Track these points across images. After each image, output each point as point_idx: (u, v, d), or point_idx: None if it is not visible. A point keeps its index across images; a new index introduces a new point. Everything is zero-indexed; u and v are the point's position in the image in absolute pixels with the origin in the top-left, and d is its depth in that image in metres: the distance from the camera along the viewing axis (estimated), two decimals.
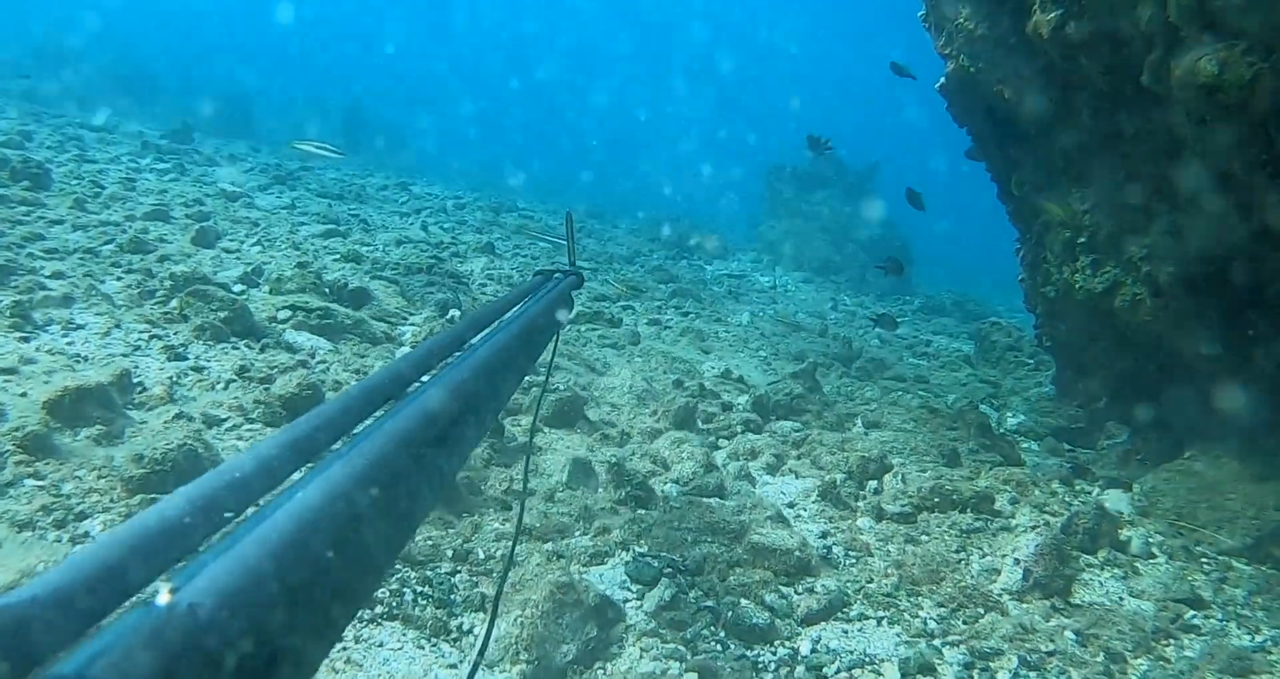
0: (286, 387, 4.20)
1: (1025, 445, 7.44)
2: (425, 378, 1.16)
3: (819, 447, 5.46)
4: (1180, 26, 3.32)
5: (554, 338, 2.52)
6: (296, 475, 0.79)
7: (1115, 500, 5.28)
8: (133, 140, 14.02)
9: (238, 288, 6.72)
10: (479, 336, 1.51)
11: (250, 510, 0.70)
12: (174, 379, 4.34)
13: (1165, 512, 4.94)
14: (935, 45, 6.02)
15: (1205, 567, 4.41)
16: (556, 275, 2.61)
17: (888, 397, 8.36)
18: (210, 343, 5.15)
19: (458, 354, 1.35)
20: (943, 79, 6.21)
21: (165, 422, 3.67)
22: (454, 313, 7.34)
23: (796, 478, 5.06)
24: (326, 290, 6.87)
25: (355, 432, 0.91)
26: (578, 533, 3.62)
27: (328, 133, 25.62)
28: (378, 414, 0.99)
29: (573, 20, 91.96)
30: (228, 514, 0.66)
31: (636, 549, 3.41)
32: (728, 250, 20.18)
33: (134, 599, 0.57)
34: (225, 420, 4.02)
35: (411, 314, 7.17)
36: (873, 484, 5.07)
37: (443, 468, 1.13)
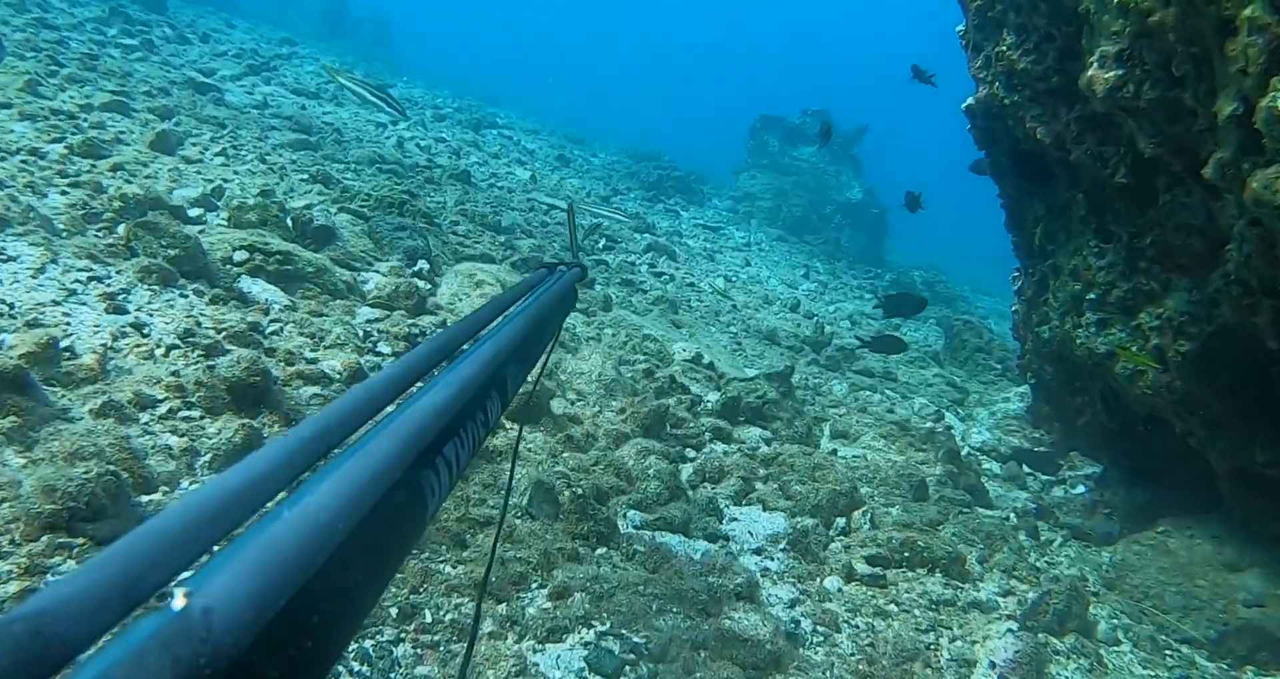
0: (233, 370, 3.80)
1: (987, 466, 7.33)
2: (430, 377, 1.14)
3: (789, 471, 5.23)
4: (1265, 135, 3.00)
5: (555, 336, 2.38)
6: (307, 475, 0.78)
7: (1081, 560, 5.18)
8: (101, 3, 12.99)
9: (194, 212, 6.23)
10: (482, 333, 1.49)
11: (264, 511, 0.69)
12: (108, 344, 3.93)
13: (1133, 589, 4.82)
14: (970, 65, 5.64)
15: (1169, 661, 4.30)
16: (560, 268, 2.45)
17: (856, 400, 8.15)
18: (156, 288, 4.72)
19: (463, 349, 1.33)
20: (971, 100, 5.84)
21: (92, 410, 3.29)
22: (422, 264, 6.92)
23: (764, 510, 4.84)
24: (289, 222, 6.39)
25: (361, 432, 0.91)
26: (534, 586, 3.34)
27: (303, 16, 24.33)
28: (382, 415, 0.98)
29: None
30: (242, 516, 0.64)
31: (598, 627, 3.13)
32: (705, 196, 19.73)
33: (148, 605, 0.54)
34: (161, 403, 3.64)
35: (378, 260, 6.73)
36: (841, 521, 4.91)
37: (450, 462, 1.16)
